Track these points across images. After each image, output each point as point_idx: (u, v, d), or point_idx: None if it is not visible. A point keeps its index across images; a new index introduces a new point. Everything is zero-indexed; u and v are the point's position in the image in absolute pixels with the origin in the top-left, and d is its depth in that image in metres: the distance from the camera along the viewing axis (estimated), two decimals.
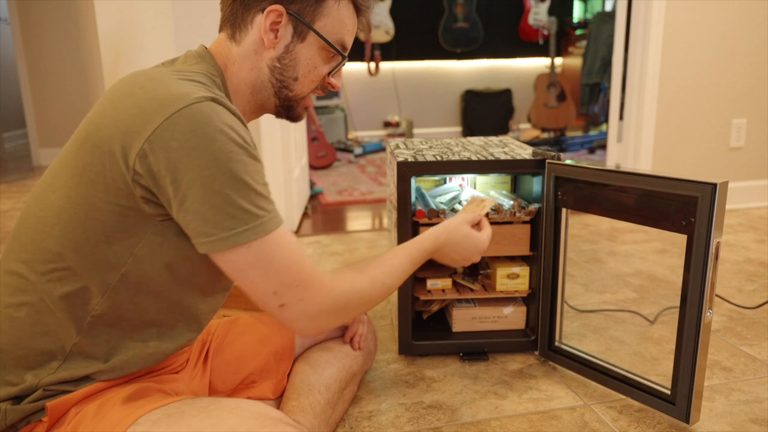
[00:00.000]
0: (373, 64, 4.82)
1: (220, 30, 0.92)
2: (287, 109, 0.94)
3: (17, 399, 0.81)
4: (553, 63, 4.73)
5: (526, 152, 1.42)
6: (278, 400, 1.10)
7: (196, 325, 0.93)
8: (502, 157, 1.38)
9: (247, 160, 0.76)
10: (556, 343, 1.39)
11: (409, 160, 1.34)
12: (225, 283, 0.91)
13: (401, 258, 0.99)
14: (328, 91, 0.97)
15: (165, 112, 0.73)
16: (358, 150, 4.29)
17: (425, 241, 1.05)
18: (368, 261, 0.96)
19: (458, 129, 5.32)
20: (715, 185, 1.01)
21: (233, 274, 0.78)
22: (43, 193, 0.82)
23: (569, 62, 5.06)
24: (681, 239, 1.09)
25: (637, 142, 2.63)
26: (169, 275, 0.82)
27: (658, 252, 2.16)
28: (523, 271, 1.43)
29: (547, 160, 1.32)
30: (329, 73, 0.94)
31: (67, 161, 0.80)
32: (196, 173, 0.73)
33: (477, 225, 1.17)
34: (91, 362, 0.83)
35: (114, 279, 0.80)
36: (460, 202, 1.47)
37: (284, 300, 0.80)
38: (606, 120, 4.63)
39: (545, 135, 4.82)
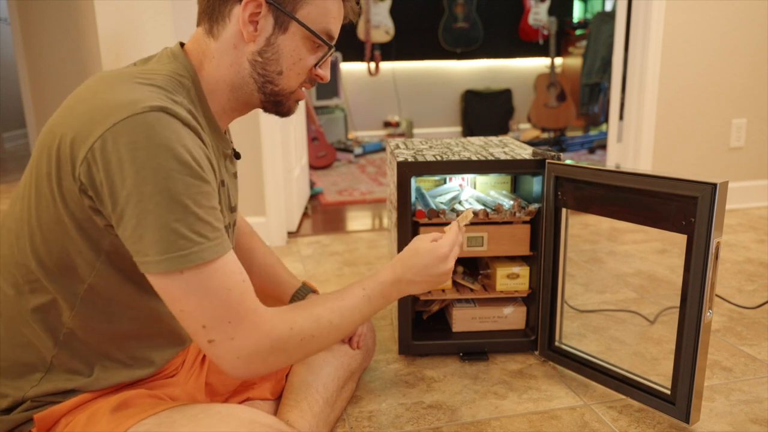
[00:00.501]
0: (373, 64, 4.82)
1: (198, 24, 0.87)
2: (275, 105, 0.90)
3: (6, 411, 0.81)
4: (553, 63, 4.73)
5: (526, 152, 1.42)
6: (278, 400, 1.10)
7: (177, 339, 0.91)
8: (502, 157, 1.38)
9: (189, 180, 0.71)
10: (556, 343, 1.39)
11: (409, 160, 1.34)
12: None
13: (356, 295, 0.92)
14: (316, 83, 0.92)
15: (108, 121, 0.69)
16: (358, 150, 4.30)
17: (381, 273, 0.97)
18: (322, 297, 0.91)
19: (458, 129, 5.32)
20: (715, 185, 1.01)
21: (165, 299, 0.74)
22: (13, 203, 0.81)
23: (569, 62, 5.06)
24: (681, 239, 1.09)
25: (637, 142, 2.63)
26: (134, 287, 0.80)
27: (658, 252, 2.16)
28: (523, 271, 1.43)
29: (547, 160, 1.32)
30: (316, 65, 0.88)
31: (31, 169, 0.78)
32: (132, 189, 0.68)
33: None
34: (74, 375, 0.82)
35: (81, 291, 0.79)
36: (460, 202, 1.47)
37: (213, 336, 0.74)
38: (606, 120, 4.62)
39: (545, 135, 4.82)
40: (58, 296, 0.78)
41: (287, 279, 1.22)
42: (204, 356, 1.07)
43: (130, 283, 0.79)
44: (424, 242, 1.01)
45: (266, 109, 0.91)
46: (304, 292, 1.22)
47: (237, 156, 0.98)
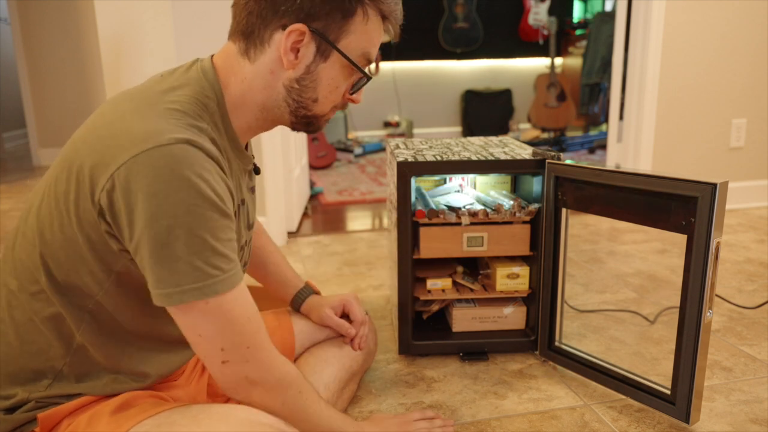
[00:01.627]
0: (372, 64, 4.82)
1: (230, 38, 0.84)
2: (306, 126, 0.88)
3: (10, 410, 0.81)
4: (553, 63, 4.73)
5: (526, 152, 1.42)
6: None
7: (182, 351, 0.92)
8: (502, 157, 1.38)
9: (209, 214, 0.71)
10: (556, 343, 1.39)
11: (409, 160, 1.34)
12: None
13: (341, 415, 0.95)
14: (346, 106, 0.92)
15: (133, 150, 0.69)
16: (358, 150, 4.30)
17: (364, 424, 1.04)
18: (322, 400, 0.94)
19: (458, 129, 5.32)
20: (715, 185, 1.01)
21: (180, 327, 0.75)
22: (29, 210, 0.81)
23: (569, 62, 5.06)
24: (681, 239, 1.09)
25: (637, 142, 2.63)
26: (141, 305, 0.80)
27: (658, 252, 2.16)
28: (523, 271, 1.43)
29: (547, 160, 1.32)
30: (352, 91, 0.87)
31: (51, 180, 0.78)
32: (150, 221, 0.69)
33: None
34: (82, 383, 0.82)
35: (88, 306, 0.79)
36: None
37: (229, 357, 0.77)
38: (606, 120, 4.63)
39: (545, 135, 4.82)
40: (62, 309, 0.78)
41: (291, 279, 1.23)
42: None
43: (136, 301, 0.80)
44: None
45: (295, 129, 0.90)
46: (306, 293, 1.22)
47: (257, 171, 0.97)
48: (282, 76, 0.82)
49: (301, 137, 2.89)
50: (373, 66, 1.00)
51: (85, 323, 0.79)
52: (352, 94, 0.88)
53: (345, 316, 1.22)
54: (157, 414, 0.79)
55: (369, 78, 0.87)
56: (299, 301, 1.21)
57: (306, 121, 0.87)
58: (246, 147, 0.93)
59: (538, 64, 5.29)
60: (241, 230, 0.88)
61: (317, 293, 1.24)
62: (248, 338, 0.77)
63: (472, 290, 1.46)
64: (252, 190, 0.97)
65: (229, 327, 0.75)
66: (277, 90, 0.83)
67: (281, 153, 2.32)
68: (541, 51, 5.23)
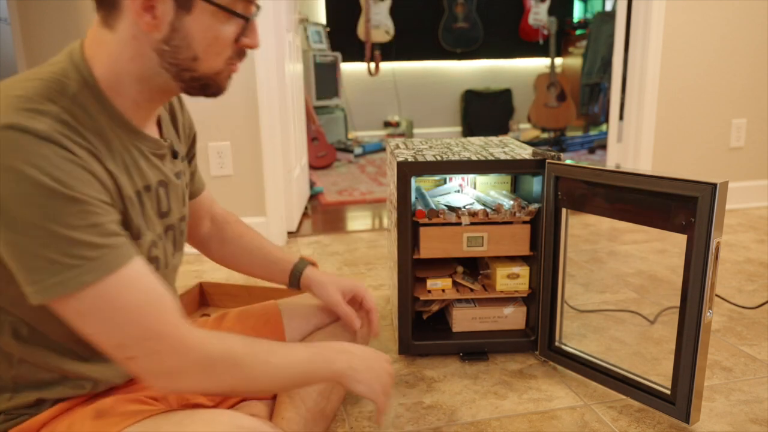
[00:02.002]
0: (373, 64, 4.82)
1: (96, 12, 0.77)
2: (202, 88, 0.80)
3: None
4: (553, 63, 4.73)
5: (526, 152, 1.42)
6: (273, 399, 1.09)
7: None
8: (502, 157, 1.38)
9: (50, 203, 0.64)
10: (556, 343, 1.39)
11: (409, 160, 1.34)
12: None
13: (299, 347, 0.88)
14: (245, 55, 0.81)
15: None
16: (358, 150, 4.30)
17: (330, 341, 0.95)
18: (266, 340, 0.85)
19: (458, 129, 5.32)
20: (715, 185, 1.01)
21: (72, 325, 0.70)
22: None
23: (569, 62, 5.06)
24: (681, 239, 1.09)
25: (637, 142, 2.63)
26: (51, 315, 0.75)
27: (658, 252, 2.16)
28: (523, 271, 1.43)
29: (547, 160, 1.32)
30: (238, 37, 0.77)
31: None
32: None
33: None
34: (41, 389, 0.80)
35: (7, 319, 0.76)
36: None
37: (132, 353, 0.71)
38: (606, 120, 4.63)
39: (545, 135, 4.83)
40: None
41: (282, 257, 1.16)
42: None
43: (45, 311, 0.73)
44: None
45: (191, 94, 0.81)
46: (302, 265, 1.15)
47: (174, 155, 0.90)
48: (148, 40, 0.73)
49: (301, 137, 2.89)
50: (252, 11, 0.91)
51: (7, 336, 0.77)
52: (243, 38, 0.78)
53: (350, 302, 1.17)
54: (140, 421, 0.77)
55: (247, 18, 0.77)
56: (297, 274, 1.14)
57: (199, 84, 0.79)
58: (160, 128, 0.88)
59: (538, 64, 5.29)
60: (151, 217, 0.82)
61: (314, 265, 1.17)
62: (147, 328, 0.71)
63: (472, 290, 1.46)
64: (176, 175, 0.90)
65: (116, 319, 0.69)
66: (149, 56, 0.75)
67: (281, 153, 2.32)
68: (541, 51, 5.23)
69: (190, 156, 1.05)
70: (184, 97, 0.89)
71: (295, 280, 1.15)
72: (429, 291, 1.45)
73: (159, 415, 0.79)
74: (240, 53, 0.80)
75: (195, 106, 1.17)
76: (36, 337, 0.77)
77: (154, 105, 0.82)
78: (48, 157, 0.65)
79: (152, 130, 0.86)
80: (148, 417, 0.78)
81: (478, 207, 1.41)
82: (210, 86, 0.80)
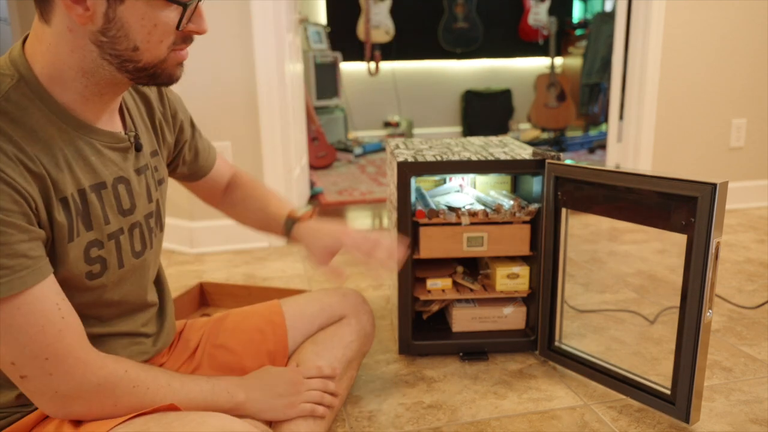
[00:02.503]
0: (373, 64, 4.82)
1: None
2: (150, 78, 0.76)
3: None
4: (553, 63, 4.73)
5: (526, 152, 1.42)
6: None
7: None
8: (502, 157, 1.38)
9: None
10: (556, 343, 1.39)
11: (409, 160, 1.34)
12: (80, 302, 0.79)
13: (201, 378, 0.89)
14: (191, 40, 0.77)
15: None
16: (358, 150, 4.30)
17: (237, 378, 0.96)
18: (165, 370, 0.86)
19: (458, 129, 5.32)
20: (714, 185, 1.01)
21: None
22: None
23: (569, 62, 5.06)
24: (681, 239, 1.09)
25: (637, 142, 2.63)
26: None
27: (658, 252, 2.16)
28: (523, 271, 1.43)
29: (547, 160, 1.32)
30: (180, 23, 0.73)
31: None
32: None
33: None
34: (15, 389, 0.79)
35: None
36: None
37: (25, 372, 0.70)
38: (606, 120, 4.63)
39: (545, 135, 4.83)
40: None
41: (276, 213, 1.15)
42: (193, 353, 1.06)
43: None
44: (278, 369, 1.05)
45: (141, 84, 0.79)
46: (289, 224, 1.13)
47: (138, 148, 0.88)
48: (85, 32, 0.71)
49: (301, 137, 2.89)
50: None
51: None
52: (189, 24, 0.75)
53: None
54: (129, 421, 0.77)
55: (184, 4, 0.73)
56: (288, 232, 1.14)
57: (146, 75, 0.76)
58: (124, 121, 0.86)
59: (538, 64, 5.29)
60: (101, 216, 0.80)
61: (300, 219, 1.13)
62: (45, 348, 0.69)
63: (472, 290, 1.46)
64: (138, 171, 0.88)
65: (11, 339, 0.68)
66: (88, 49, 0.72)
67: (281, 153, 2.32)
68: (541, 51, 5.23)
69: (182, 142, 1.03)
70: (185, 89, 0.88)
71: (289, 236, 1.15)
72: (429, 291, 1.45)
73: (149, 415, 0.79)
74: (185, 38, 0.76)
75: (195, 106, 1.18)
76: None
77: (105, 98, 0.79)
78: None
79: (111, 124, 0.83)
80: (137, 417, 0.78)
81: (478, 207, 1.41)
82: (158, 75, 0.76)
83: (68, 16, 0.70)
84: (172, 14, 0.73)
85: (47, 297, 0.71)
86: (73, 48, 0.72)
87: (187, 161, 1.07)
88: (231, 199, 1.19)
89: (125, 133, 0.85)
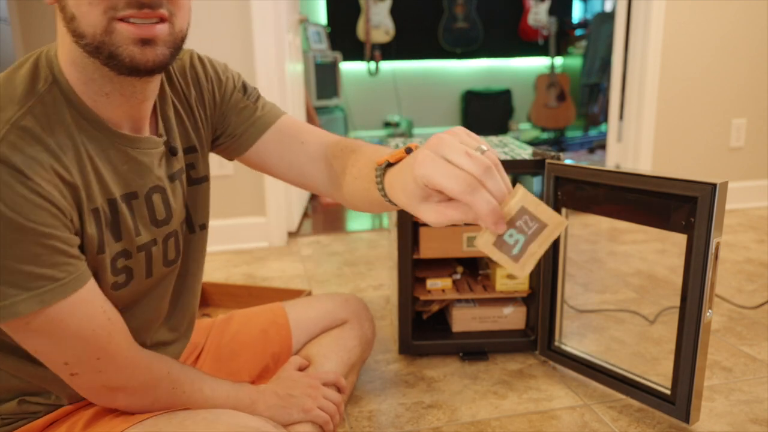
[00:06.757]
0: (373, 64, 4.82)
1: None
2: (109, 59, 0.65)
3: None
4: (553, 63, 4.73)
5: (526, 152, 1.42)
6: None
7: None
8: (502, 157, 1.38)
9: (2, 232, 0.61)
10: (556, 343, 1.39)
11: None
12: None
13: (228, 383, 0.89)
14: (145, 5, 0.64)
15: None
16: None
17: (256, 387, 0.95)
18: (201, 372, 0.88)
19: None
20: (714, 185, 1.01)
21: (18, 341, 0.69)
22: None
23: (569, 62, 5.06)
24: (681, 239, 1.09)
25: (637, 142, 2.63)
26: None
27: (658, 252, 2.16)
28: None
29: (546, 160, 1.32)
30: None
31: None
32: None
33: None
34: (22, 395, 0.79)
35: None
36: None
37: (77, 370, 0.71)
38: (605, 120, 4.63)
39: (545, 135, 4.83)
40: None
41: (368, 172, 0.80)
42: (196, 356, 1.06)
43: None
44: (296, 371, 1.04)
45: (119, 72, 0.68)
46: (379, 180, 0.72)
47: (172, 152, 0.83)
48: (59, 17, 0.66)
49: None
50: None
51: None
52: None
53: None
54: (141, 421, 0.77)
55: None
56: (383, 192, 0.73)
57: (104, 57, 0.65)
58: (156, 123, 0.80)
59: (538, 64, 5.29)
60: (132, 228, 0.77)
61: (388, 165, 0.72)
62: (96, 350, 0.71)
63: (472, 290, 1.46)
64: (171, 177, 0.83)
65: (65, 342, 0.69)
66: (68, 35, 0.66)
67: None
68: (541, 51, 5.23)
69: (229, 118, 0.92)
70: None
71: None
72: (429, 291, 1.45)
73: (160, 415, 0.79)
74: (128, 3, 0.63)
75: None
76: (6, 347, 0.76)
77: (123, 101, 0.72)
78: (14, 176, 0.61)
79: (141, 127, 0.78)
80: (148, 418, 0.78)
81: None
82: (114, 56, 0.65)
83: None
84: None
85: (94, 300, 0.71)
86: (62, 39, 0.68)
87: (236, 131, 0.93)
88: (334, 178, 0.90)
89: (158, 136, 0.80)
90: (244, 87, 0.94)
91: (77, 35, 0.65)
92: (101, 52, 0.65)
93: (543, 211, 0.59)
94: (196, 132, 0.89)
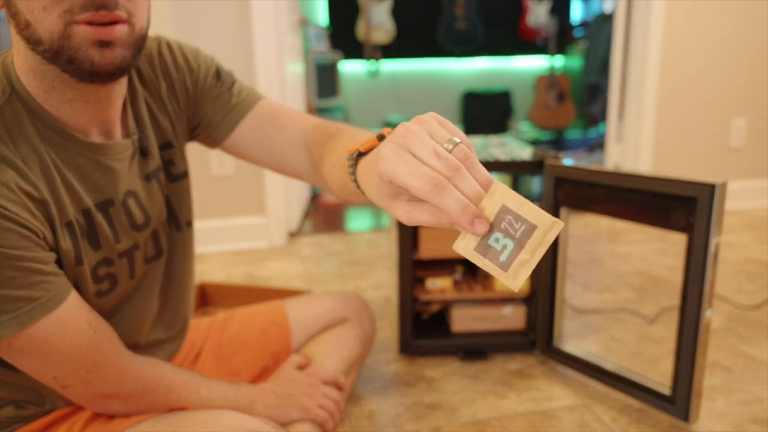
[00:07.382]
0: (373, 64, 4.82)
1: None
2: (68, 63, 0.63)
3: None
4: (552, 63, 4.73)
5: (526, 152, 1.42)
6: None
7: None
8: (502, 157, 1.38)
9: None
10: (556, 343, 1.39)
11: None
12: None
13: (224, 382, 0.89)
14: (102, 7, 0.61)
15: None
16: None
17: (254, 386, 0.94)
18: (197, 374, 0.87)
19: None
20: (714, 186, 1.01)
21: (4, 357, 0.69)
22: None
23: (569, 62, 5.07)
24: (681, 239, 1.09)
25: (637, 142, 2.63)
26: None
27: (658, 252, 2.17)
28: None
29: (546, 161, 1.32)
30: None
31: None
32: None
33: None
34: (23, 407, 0.79)
35: None
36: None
37: (68, 382, 0.72)
38: (605, 120, 4.63)
39: (545, 135, 4.83)
40: None
41: (342, 162, 0.72)
42: (196, 355, 1.06)
43: None
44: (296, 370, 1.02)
45: (80, 78, 0.65)
46: (352, 170, 0.66)
47: (143, 152, 0.80)
48: (12, 24, 0.63)
49: None
50: None
51: None
52: None
53: None
54: (140, 422, 0.77)
55: None
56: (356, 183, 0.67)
57: (63, 62, 0.63)
58: (126, 122, 0.77)
59: (538, 64, 5.29)
60: (118, 235, 0.76)
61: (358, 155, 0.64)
62: (84, 362, 0.71)
63: (471, 290, 1.46)
64: (148, 177, 0.81)
65: (51, 358, 0.68)
66: (22, 42, 0.64)
67: None
68: (540, 51, 5.23)
69: (203, 107, 0.89)
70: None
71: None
72: (429, 291, 1.46)
73: (160, 417, 0.79)
74: (85, 5, 0.61)
75: None
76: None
77: (92, 105, 0.70)
78: None
79: (110, 131, 0.75)
80: (147, 419, 0.78)
81: None
82: (73, 60, 0.63)
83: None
84: None
85: (77, 314, 0.70)
86: (17, 46, 0.65)
87: (213, 120, 0.91)
88: (315, 166, 0.87)
89: (128, 137, 0.78)
90: (218, 73, 0.90)
91: (34, 42, 0.62)
92: (60, 58, 0.63)
93: (529, 210, 0.53)
94: (171, 127, 0.87)
